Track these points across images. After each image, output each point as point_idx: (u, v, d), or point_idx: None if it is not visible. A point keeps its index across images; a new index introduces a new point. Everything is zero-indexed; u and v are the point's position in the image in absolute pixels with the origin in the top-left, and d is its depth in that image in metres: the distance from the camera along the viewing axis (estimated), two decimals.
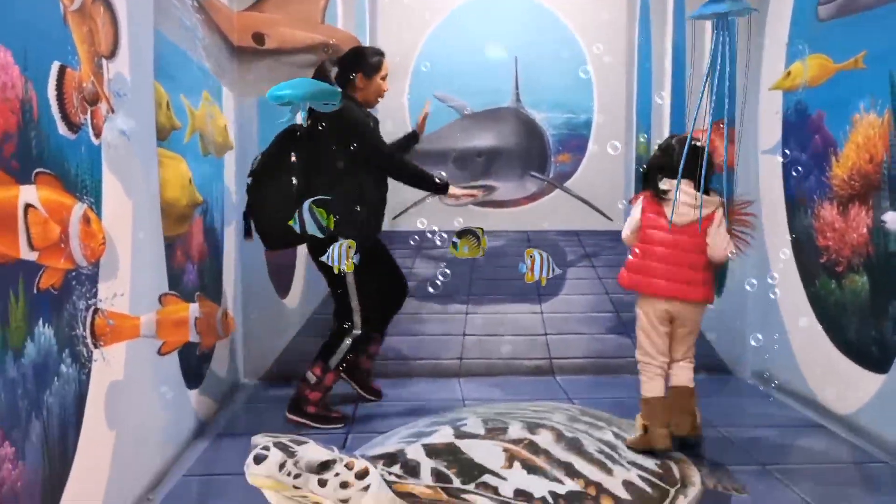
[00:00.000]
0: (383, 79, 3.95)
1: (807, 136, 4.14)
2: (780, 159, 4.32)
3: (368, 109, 3.98)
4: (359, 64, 3.91)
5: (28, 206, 2.01)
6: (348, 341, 3.86)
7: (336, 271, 3.44)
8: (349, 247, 3.38)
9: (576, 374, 4.82)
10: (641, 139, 5.65)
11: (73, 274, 2.30)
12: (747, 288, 4.17)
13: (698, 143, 3.35)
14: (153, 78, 3.06)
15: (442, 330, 5.00)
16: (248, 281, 4.57)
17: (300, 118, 3.66)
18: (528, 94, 5.45)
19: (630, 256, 3.42)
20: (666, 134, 5.41)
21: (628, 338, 5.04)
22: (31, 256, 2.03)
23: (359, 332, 3.87)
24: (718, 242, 3.36)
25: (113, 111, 2.60)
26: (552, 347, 4.94)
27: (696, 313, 3.39)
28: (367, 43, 4.44)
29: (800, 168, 4.21)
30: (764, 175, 4.60)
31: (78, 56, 2.33)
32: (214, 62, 4.07)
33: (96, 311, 2.48)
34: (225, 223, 4.27)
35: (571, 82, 5.67)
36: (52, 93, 2.17)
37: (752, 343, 4.33)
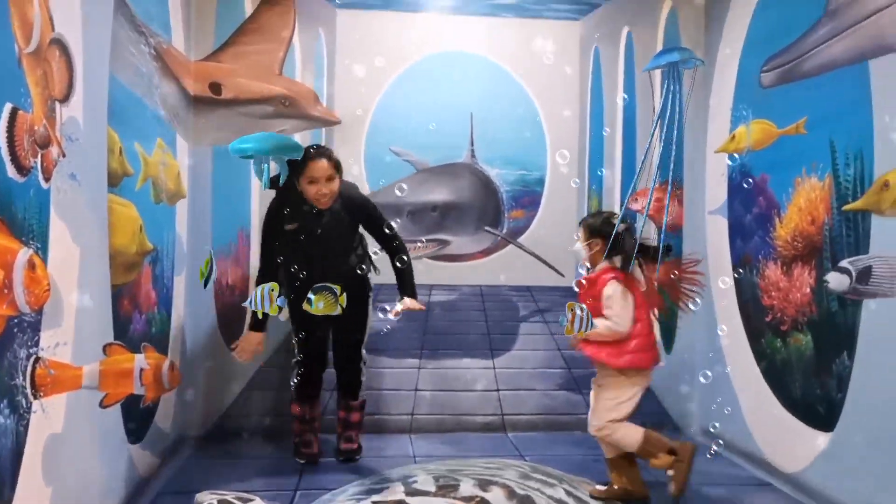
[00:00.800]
0: (310, 181, 3.77)
1: (751, 199, 4.27)
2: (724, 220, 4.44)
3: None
4: (296, 165, 3.76)
5: None
6: (294, 371, 4.11)
7: (259, 315, 3.66)
8: (272, 290, 3.37)
9: (528, 430, 4.80)
10: (594, 200, 5.77)
11: (16, 321, 2.23)
12: (702, 380, 4.27)
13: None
14: (106, 123, 3.02)
15: (394, 384, 4.94)
16: (197, 332, 4.47)
17: (272, 173, 3.69)
18: (482, 150, 5.55)
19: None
20: (616, 194, 5.54)
21: (580, 394, 5.05)
22: None
23: (296, 359, 4.09)
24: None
25: (64, 155, 2.56)
26: (504, 403, 4.92)
27: None
28: (323, 96, 4.47)
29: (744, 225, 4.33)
30: (711, 235, 4.71)
31: (31, 98, 2.29)
32: (170, 110, 4.04)
33: (37, 360, 2.39)
34: (175, 272, 4.19)
35: (525, 139, 5.79)
36: (2, 135, 2.12)
37: (702, 379, 4.38)
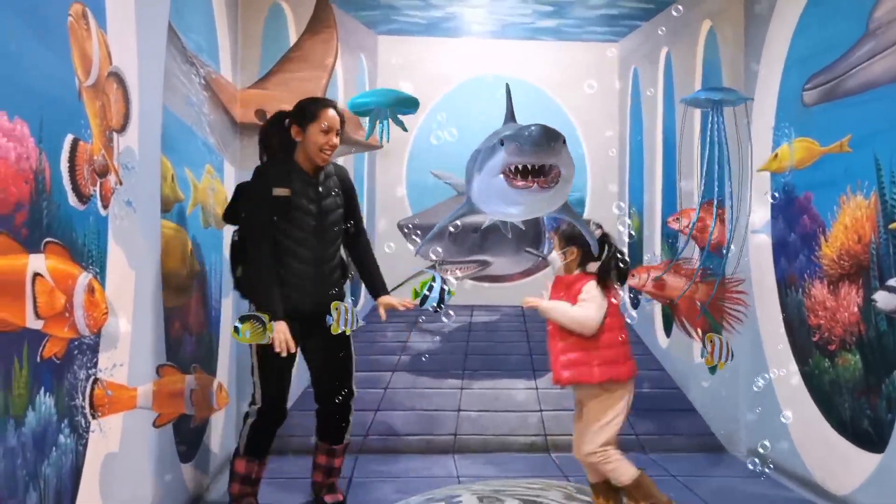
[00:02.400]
0: (325, 131, 3.33)
1: (795, 217, 4.24)
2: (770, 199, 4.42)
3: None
4: (295, 115, 3.43)
5: (36, 275, 2.04)
6: (250, 421, 3.50)
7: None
8: (353, 307, 3.31)
9: (572, 451, 4.77)
10: (635, 221, 5.77)
11: (76, 343, 2.32)
12: (755, 389, 4.22)
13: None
14: (160, 151, 3.13)
15: (436, 405, 4.97)
16: (244, 353, 4.55)
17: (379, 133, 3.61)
18: None
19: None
20: (658, 212, 5.53)
21: None
22: (37, 325, 2.05)
23: (258, 406, 3.48)
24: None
25: (121, 183, 2.66)
26: (547, 423, 4.91)
27: None
28: (366, 124, 4.55)
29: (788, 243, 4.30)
30: (754, 254, 4.68)
31: (90, 129, 2.40)
32: (218, 137, 4.17)
33: (96, 381, 2.48)
34: (223, 295, 4.29)
35: None
36: (64, 164, 2.22)
37: (754, 389, 4.28)
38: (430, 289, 3.22)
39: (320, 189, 3.41)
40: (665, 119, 5.44)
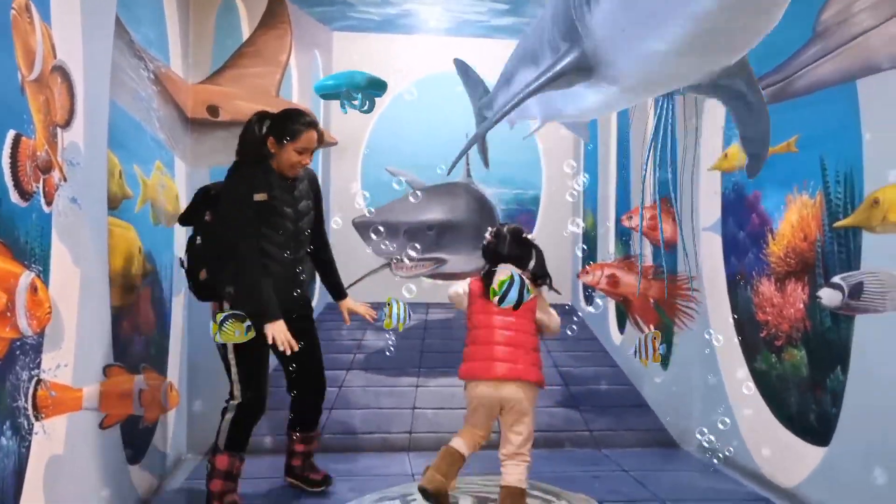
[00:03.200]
0: (300, 152, 3.43)
1: (744, 215, 4.32)
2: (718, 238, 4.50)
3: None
4: (275, 125, 3.48)
5: None
6: (229, 416, 3.50)
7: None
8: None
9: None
10: (589, 218, 5.83)
11: (18, 343, 2.26)
12: (715, 343, 4.28)
13: (529, 236, 3.59)
14: (107, 147, 3.07)
15: (392, 403, 4.96)
16: (195, 352, 4.49)
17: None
18: (478, 169, 5.60)
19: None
20: (611, 210, 5.58)
21: (577, 411, 5.08)
22: None
23: (238, 401, 3.49)
24: (552, 318, 3.56)
25: (65, 179, 2.60)
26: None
27: (530, 396, 3.41)
28: (321, 119, 4.51)
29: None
30: (705, 251, 4.75)
31: (33, 125, 2.34)
32: (168, 133, 4.09)
33: (39, 381, 2.42)
34: (173, 293, 4.22)
35: (521, 159, 5.85)
36: (5, 161, 2.16)
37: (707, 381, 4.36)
38: (509, 288, 3.10)
39: (295, 193, 3.53)
40: (619, 116, 5.48)
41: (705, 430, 4.27)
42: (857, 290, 3.31)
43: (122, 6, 3.23)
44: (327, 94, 3.97)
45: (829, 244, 3.57)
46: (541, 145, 5.99)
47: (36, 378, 2.39)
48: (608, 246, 5.48)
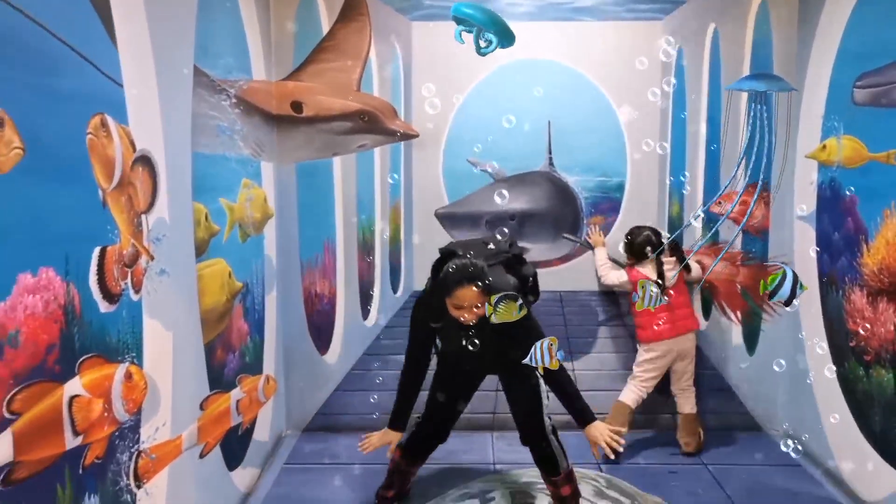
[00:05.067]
0: (458, 308, 3.32)
1: (840, 216, 4.12)
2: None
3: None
4: (439, 274, 3.42)
5: (72, 398, 2.19)
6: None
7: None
8: (551, 344, 3.22)
9: None
10: (675, 205, 5.66)
11: (117, 433, 2.49)
12: (775, 368, 4.21)
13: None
14: (191, 202, 3.21)
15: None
16: (290, 340, 4.75)
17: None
18: (560, 157, 5.49)
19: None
20: (699, 196, 5.40)
21: (658, 394, 5.11)
22: (76, 442, 2.22)
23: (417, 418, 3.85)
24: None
25: (152, 258, 2.77)
26: None
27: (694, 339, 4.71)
28: (401, 111, 4.51)
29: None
30: (798, 241, 4.58)
31: (117, 228, 2.49)
32: (253, 145, 4.21)
33: (139, 454, 2.67)
34: (266, 291, 4.45)
35: (604, 146, 5.68)
36: (93, 279, 2.33)
37: (776, 368, 4.32)
38: (781, 282, 3.12)
39: (468, 345, 3.46)
40: (710, 102, 5.22)
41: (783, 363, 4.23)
42: None
43: (199, 53, 3.29)
44: (462, 20, 3.90)
45: None
46: (625, 131, 5.79)
47: (136, 452, 2.65)
48: (694, 233, 5.34)
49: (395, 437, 3.66)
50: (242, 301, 4.03)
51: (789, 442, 4.11)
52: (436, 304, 3.43)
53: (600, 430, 3.43)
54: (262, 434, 4.37)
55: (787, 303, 3.08)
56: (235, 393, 3.77)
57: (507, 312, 3.25)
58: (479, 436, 4.87)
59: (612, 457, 3.43)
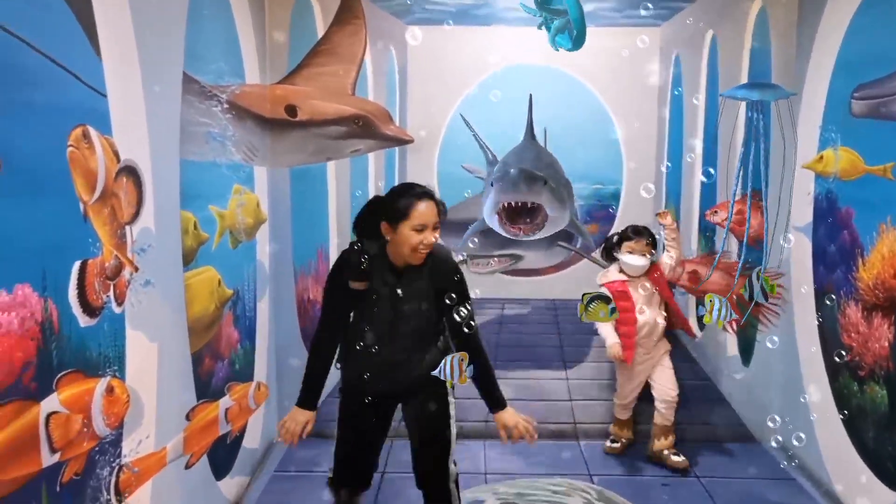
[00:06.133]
0: (418, 230, 2.95)
1: (836, 228, 4.08)
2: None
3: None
4: (385, 207, 3.04)
5: (50, 415, 2.16)
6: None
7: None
8: (462, 359, 2.96)
9: (600, 439, 4.89)
10: (671, 213, 5.62)
11: (97, 448, 2.46)
12: (768, 345, 4.18)
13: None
14: (179, 210, 3.18)
15: (467, 394, 5.09)
16: (282, 346, 4.72)
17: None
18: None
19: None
20: (695, 205, 5.36)
21: (651, 404, 5.08)
22: (54, 459, 2.19)
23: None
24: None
25: (136, 270, 2.74)
26: (577, 412, 5.02)
27: None
28: (396, 115, 4.47)
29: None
30: (794, 252, 4.55)
31: (99, 241, 2.46)
32: (245, 149, 4.17)
33: (120, 468, 2.64)
34: (258, 298, 4.42)
35: (600, 154, 5.65)
36: (73, 293, 2.30)
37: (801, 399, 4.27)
38: (751, 286, 3.30)
39: (400, 291, 3.07)
40: (707, 108, 5.18)
41: (803, 436, 4.17)
42: None
43: (189, 59, 3.26)
44: (547, 8, 3.82)
45: None
46: (620, 134, 5.75)
47: (118, 466, 2.62)
48: (690, 242, 5.30)
49: (308, 417, 3.15)
50: (233, 308, 4.00)
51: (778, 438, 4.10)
52: (368, 252, 3.02)
53: (515, 418, 3.20)
54: (252, 441, 4.34)
55: (765, 297, 3.13)
56: (224, 401, 3.73)
57: (597, 313, 3.18)
58: (471, 444, 4.84)
59: (531, 443, 3.22)
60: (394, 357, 3.15)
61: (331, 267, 3.24)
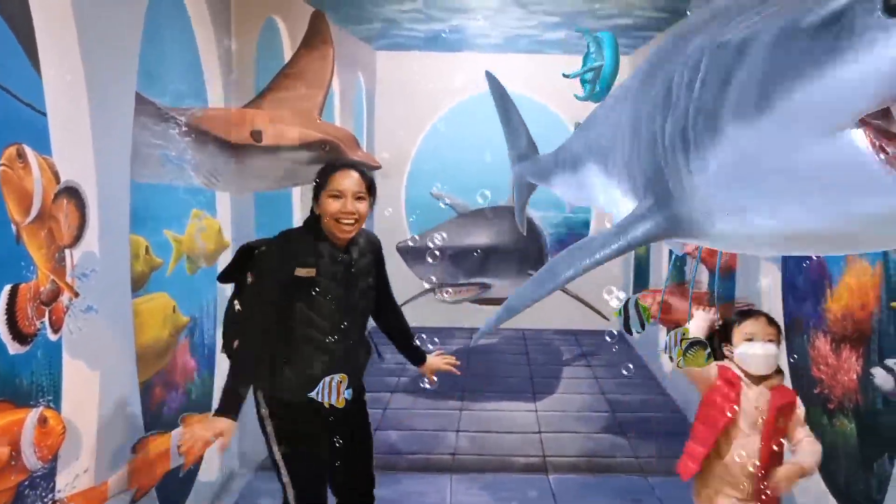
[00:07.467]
0: (336, 196, 2.82)
1: (804, 258, 4.04)
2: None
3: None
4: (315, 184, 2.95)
5: None
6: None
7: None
8: (341, 381, 2.76)
9: (570, 472, 4.79)
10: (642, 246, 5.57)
11: (26, 483, 2.34)
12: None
13: None
14: (128, 234, 3.08)
15: (435, 425, 5.00)
16: None
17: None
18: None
19: None
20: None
21: (623, 437, 5.00)
22: None
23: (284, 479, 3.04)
24: None
25: (76, 295, 2.63)
26: (546, 445, 4.91)
27: None
28: (364, 141, 4.40)
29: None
30: (764, 283, 4.50)
31: (33, 265, 2.35)
32: (207, 174, 4.08)
33: (54, 503, 2.52)
34: (217, 325, 4.30)
35: None
36: (0, 319, 2.19)
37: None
38: (627, 314, 2.93)
39: (353, 270, 2.95)
40: None
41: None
42: None
43: (144, 80, 3.18)
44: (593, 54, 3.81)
45: (885, 323, 3.30)
46: None
47: (50, 502, 2.49)
48: (661, 272, 5.25)
49: (229, 426, 2.80)
50: (190, 336, 3.89)
51: None
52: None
53: (437, 361, 3.33)
54: (208, 474, 4.20)
55: (642, 326, 2.90)
56: (177, 434, 3.60)
57: (696, 360, 2.89)
58: (437, 477, 4.72)
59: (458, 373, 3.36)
60: (348, 343, 2.95)
61: (239, 261, 3.00)
